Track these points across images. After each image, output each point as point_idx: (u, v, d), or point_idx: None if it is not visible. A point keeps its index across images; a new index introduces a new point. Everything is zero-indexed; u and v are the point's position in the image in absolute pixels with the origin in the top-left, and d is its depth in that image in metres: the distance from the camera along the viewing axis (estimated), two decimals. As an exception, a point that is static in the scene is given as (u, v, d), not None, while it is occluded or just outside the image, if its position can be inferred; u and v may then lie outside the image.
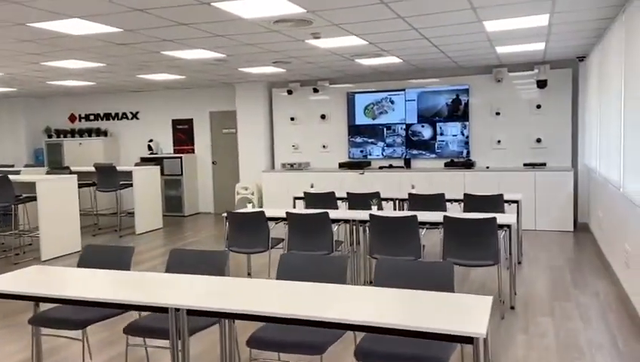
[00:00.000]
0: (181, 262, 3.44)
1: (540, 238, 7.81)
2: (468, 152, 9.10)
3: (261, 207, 10.14)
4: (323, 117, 10.02)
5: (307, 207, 7.00)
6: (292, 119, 10.23)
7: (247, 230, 5.38)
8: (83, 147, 11.68)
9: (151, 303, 2.68)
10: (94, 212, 9.76)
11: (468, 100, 9.02)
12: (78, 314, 3.27)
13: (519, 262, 6.43)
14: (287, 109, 10.29)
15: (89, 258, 3.59)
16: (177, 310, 2.62)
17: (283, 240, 5.33)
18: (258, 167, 10.28)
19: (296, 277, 3.10)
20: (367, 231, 5.02)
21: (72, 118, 12.25)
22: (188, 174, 11.02)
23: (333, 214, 5.37)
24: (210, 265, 3.36)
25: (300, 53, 6.90)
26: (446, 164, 9.03)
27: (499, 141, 8.97)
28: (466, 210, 6.26)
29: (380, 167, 9.46)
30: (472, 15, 5.05)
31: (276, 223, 5.43)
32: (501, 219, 4.79)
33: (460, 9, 4.79)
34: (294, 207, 7.33)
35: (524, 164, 8.63)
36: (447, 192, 7.03)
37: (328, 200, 6.91)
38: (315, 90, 9.91)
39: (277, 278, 3.19)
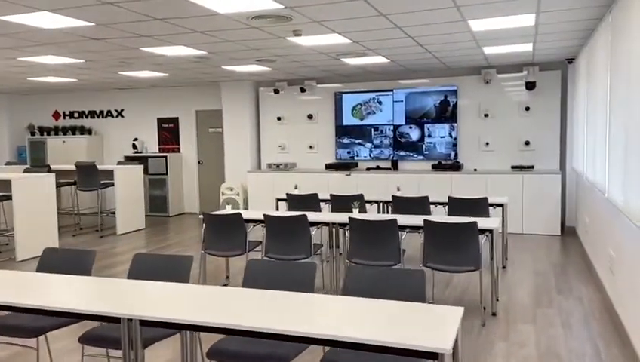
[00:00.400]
0: (144, 268, 3.29)
1: (526, 242, 7.70)
2: (456, 154, 8.98)
3: (246, 207, 10.00)
4: (310, 117, 9.87)
5: (289, 208, 6.86)
6: (279, 119, 10.08)
7: (225, 233, 5.23)
8: (67, 145, 11.48)
9: (103, 313, 2.52)
10: (76, 211, 9.58)
11: (456, 102, 8.90)
12: (35, 322, 3.11)
13: (504, 267, 6.32)
14: (273, 109, 10.14)
15: (49, 262, 3.43)
16: (130, 320, 2.47)
17: (261, 242, 5.19)
18: (244, 167, 10.13)
19: (263, 285, 2.96)
20: (347, 235, 4.88)
21: (55, 116, 12.05)
22: (173, 174, 10.85)
23: (312, 217, 5.23)
24: (175, 271, 3.21)
25: (283, 51, 6.76)
26: (433, 166, 8.91)
27: (487, 143, 8.86)
28: (450, 214, 6.14)
29: (367, 169, 9.33)
30: (456, 14, 4.92)
31: (254, 226, 5.28)
32: (483, 223, 4.66)
33: (443, 7, 4.66)
34: (277, 208, 7.19)
35: (512, 167, 8.53)
36: (435, 195, 6.92)
37: (311, 202, 6.78)
38: (303, 90, 9.77)
39: (243, 285, 3.04)
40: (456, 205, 6.16)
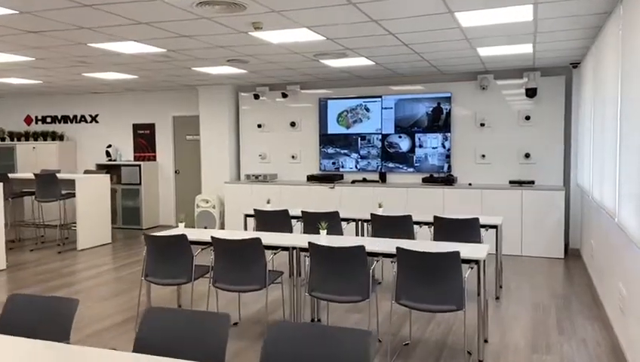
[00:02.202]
0: (17, 318, 2.53)
1: (525, 266, 6.91)
2: (449, 167, 8.21)
3: (222, 221, 9.25)
4: (293, 124, 9.14)
5: (258, 227, 6.11)
6: (259, 126, 9.34)
7: (169, 257, 4.48)
8: (37, 151, 10.78)
9: None
10: (37, 224, 8.85)
11: (450, 109, 8.15)
12: None
13: (497, 298, 5.53)
14: (253, 115, 9.42)
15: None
16: None
17: (211, 268, 4.42)
18: (222, 178, 9.39)
19: (160, 347, 2.21)
20: (308, 263, 4.12)
21: (28, 120, 11.36)
22: (147, 183, 10.12)
23: (270, 239, 4.48)
24: (53, 322, 2.46)
25: (252, 49, 6.04)
26: (424, 180, 8.14)
27: (483, 155, 8.09)
28: (436, 236, 5.38)
29: (353, 181, 8.57)
30: (439, 4, 4.18)
31: (202, 249, 4.52)
32: (468, 252, 3.89)
33: (423, -5, 3.93)
34: (245, 226, 6.44)
35: (511, 182, 7.75)
36: (425, 211, 6.21)
37: (282, 219, 6.03)
38: (284, 95, 9.04)
39: (134, 350, 2.28)
40: (443, 226, 5.39)
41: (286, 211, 6.01)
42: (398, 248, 3.80)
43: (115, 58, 6.49)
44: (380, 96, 8.50)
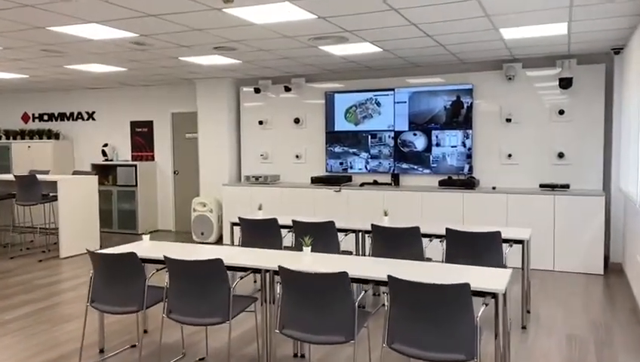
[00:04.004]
0: None
1: (558, 285, 5.93)
2: (470, 168, 7.27)
3: (220, 226, 8.49)
4: (297, 121, 8.31)
5: (243, 238, 5.32)
6: (260, 123, 8.54)
7: (118, 279, 3.70)
8: (32, 151, 10.21)
9: None
10: (22, 228, 8.24)
11: (471, 103, 7.20)
12: None
13: (523, 327, 4.59)
14: (254, 111, 8.62)
15: None
16: None
17: (164, 295, 3.63)
18: (221, 179, 8.63)
19: None
20: (280, 291, 3.29)
21: (25, 118, 10.82)
22: (144, 185, 9.43)
23: (239, 258, 3.67)
24: None
25: (236, 33, 5.23)
26: (441, 183, 7.21)
27: (509, 155, 7.12)
28: (448, 253, 4.49)
29: (362, 184, 7.69)
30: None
31: (158, 270, 3.73)
32: (481, 281, 3.01)
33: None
34: (232, 237, 5.65)
35: (541, 185, 6.76)
36: (441, 218, 5.41)
37: (270, 229, 5.22)
38: (287, 89, 8.21)
39: None
40: (457, 241, 4.49)
41: (274, 220, 5.19)
42: (390, 277, 2.94)
43: (87, 46, 5.77)
44: (393, 89, 7.60)
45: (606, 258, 6.52)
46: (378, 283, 3.21)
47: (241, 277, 3.50)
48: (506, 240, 4.48)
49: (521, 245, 4.60)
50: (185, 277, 3.46)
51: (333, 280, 3.05)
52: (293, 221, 5.07)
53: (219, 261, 3.37)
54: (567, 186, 6.63)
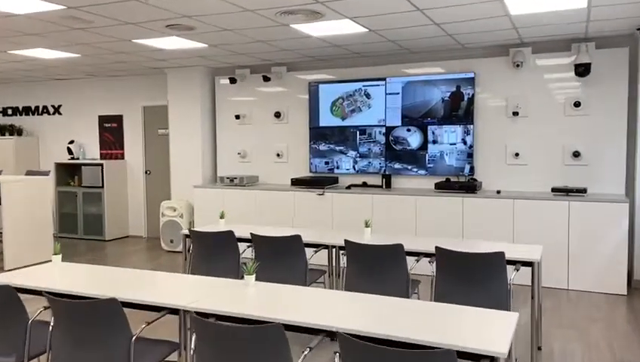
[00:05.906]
0: None
1: (573, 308, 4.99)
2: (471, 169, 6.33)
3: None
4: (278, 115, 7.39)
5: (194, 253, 4.41)
6: (237, 117, 7.63)
7: (-1, 316, 2.81)
8: (-7, 148, 9.36)
9: None
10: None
11: (473, 94, 6.26)
12: None
13: None
14: (230, 104, 7.71)
15: None
16: None
17: (48, 344, 2.72)
18: (194, 181, 7.73)
19: None
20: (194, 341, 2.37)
21: (-12, 113, 9.97)
22: (112, 186, 8.54)
23: (140, 296, 2.77)
24: None
25: (187, 7, 4.32)
26: (439, 185, 6.27)
27: (516, 154, 6.18)
28: (438, 279, 3.56)
29: (349, 186, 6.77)
30: None
31: (40, 311, 2.82)
32: (478, 343, 2.08)
33: None
34: (185, 251, 4.74)
35: (554, 189, 5.80)
36: (438, 228, 4.59)
37: (226, 243, 4.31)
38: (267, 79, 7.29)
39: None
40: (450, 263, 3.56)
41: (231, 233, 4.28)
42: (339, 334, 2.01)
43: (15, 23, 4.88)
44: (384, 79, 6.67)
45: (629, 275, 5.57)
46: (329, 333, 2.30)
47: (148, 323, 2.58)
48: (511, 262, 3.55)
49: (530, 268, 3.66)
50: (69, 317, 2.56)
51: (262, 335, 2.14)
52: (252, 234, 4.16)
53: (113, 301, 2.45)
54: (583, 191, 5.66)
